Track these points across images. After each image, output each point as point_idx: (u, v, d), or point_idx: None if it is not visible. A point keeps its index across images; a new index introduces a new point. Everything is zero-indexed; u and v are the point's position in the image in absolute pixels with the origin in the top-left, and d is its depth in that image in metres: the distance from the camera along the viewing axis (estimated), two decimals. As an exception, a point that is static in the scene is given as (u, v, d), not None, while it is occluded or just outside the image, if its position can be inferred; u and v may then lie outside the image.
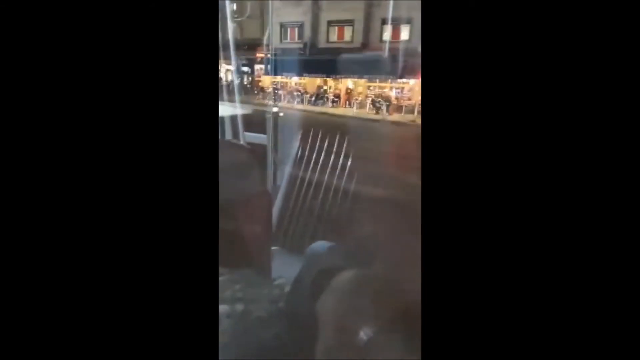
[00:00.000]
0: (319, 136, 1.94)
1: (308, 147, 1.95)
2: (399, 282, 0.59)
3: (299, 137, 1.93)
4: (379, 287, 0.60)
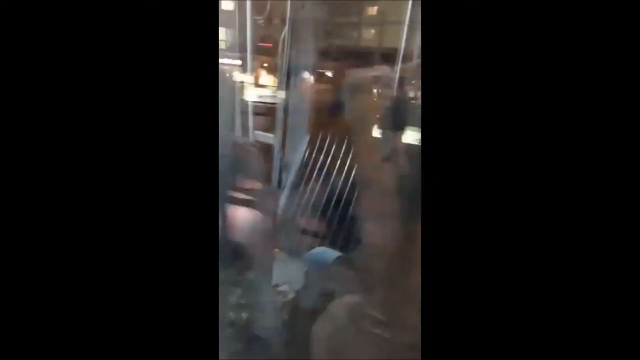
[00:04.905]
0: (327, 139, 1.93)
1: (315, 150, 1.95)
2: (396, 312, 0.58)
3: (307, 139, 1.93)
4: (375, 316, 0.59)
